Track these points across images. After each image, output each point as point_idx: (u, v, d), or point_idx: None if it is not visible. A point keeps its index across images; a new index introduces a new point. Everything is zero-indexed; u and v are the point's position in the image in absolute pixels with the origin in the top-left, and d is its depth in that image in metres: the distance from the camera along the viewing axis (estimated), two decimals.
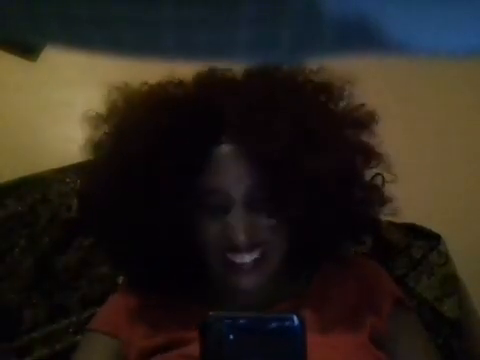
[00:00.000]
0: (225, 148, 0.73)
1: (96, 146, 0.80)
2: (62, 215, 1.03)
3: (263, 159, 0.71)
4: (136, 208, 0.74)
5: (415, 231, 1.03)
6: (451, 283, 1.00)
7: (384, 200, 0.81)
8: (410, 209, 0.98)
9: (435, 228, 1.03)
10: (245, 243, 0.71)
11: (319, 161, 0.71)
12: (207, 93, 0.76)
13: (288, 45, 0.23)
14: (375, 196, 0.81)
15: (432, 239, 1.02)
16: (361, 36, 0.22)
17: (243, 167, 0.72)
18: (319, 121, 0.75)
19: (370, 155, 0.79)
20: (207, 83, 0.78)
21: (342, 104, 0.80)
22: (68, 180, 1.06)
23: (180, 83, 0.79)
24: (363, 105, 0.80)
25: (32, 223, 1.03)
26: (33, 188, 1.05)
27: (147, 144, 0.73)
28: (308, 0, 0.21)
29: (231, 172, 0.73)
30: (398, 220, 1.04)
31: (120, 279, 0.99)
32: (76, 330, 0.97)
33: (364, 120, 0.80)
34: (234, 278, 0.74)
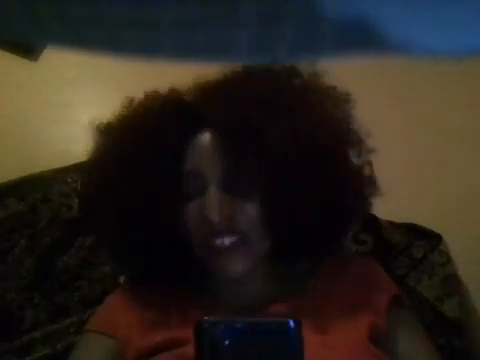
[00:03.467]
0: (203, 135, 0.79)
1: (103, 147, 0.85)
2: (63, 215, 1.04)
3: (232, 138, 0.75)
4: (130, 200, 0.77)
5: (416, 231, 1.03)
6: (452, 283, 1.00)
7: (370, 190, 0.80)
8: (410, 209, 0.98)
9: (435, 228, 1.03)
10: (221, 223, 0.73)
11: (281, 131, 0.73)
12: (191, 92, 0.84)
13: (288, 45, 0.23)
14: (357, 186, 0.80)
15: (433, 239, 1.02)
16: (361, 36, 0.22)
17: (218, 150, 0.76)
18: (284, 97, 0.79)
19: (345, 132, 0.79)
20: (194, 85, 0.84)
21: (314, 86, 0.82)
22: (69, 180, 1.06)
23: (173, 89, 0.85)
24: (335, 87, 0.81)
25: (33, 223, 1.03)
26: (34, 188, 1.05)
27: (138, 138, 0.79)
28: (308, 0, 0.21)
29: (207, 155, 0.77)
30: (398, 220, 1.04)
31: (121, 279, 0.99)
32: (77, 330, 0.97)
33: (336, 98, 0.81)
34: (219, 262, 0.75)
